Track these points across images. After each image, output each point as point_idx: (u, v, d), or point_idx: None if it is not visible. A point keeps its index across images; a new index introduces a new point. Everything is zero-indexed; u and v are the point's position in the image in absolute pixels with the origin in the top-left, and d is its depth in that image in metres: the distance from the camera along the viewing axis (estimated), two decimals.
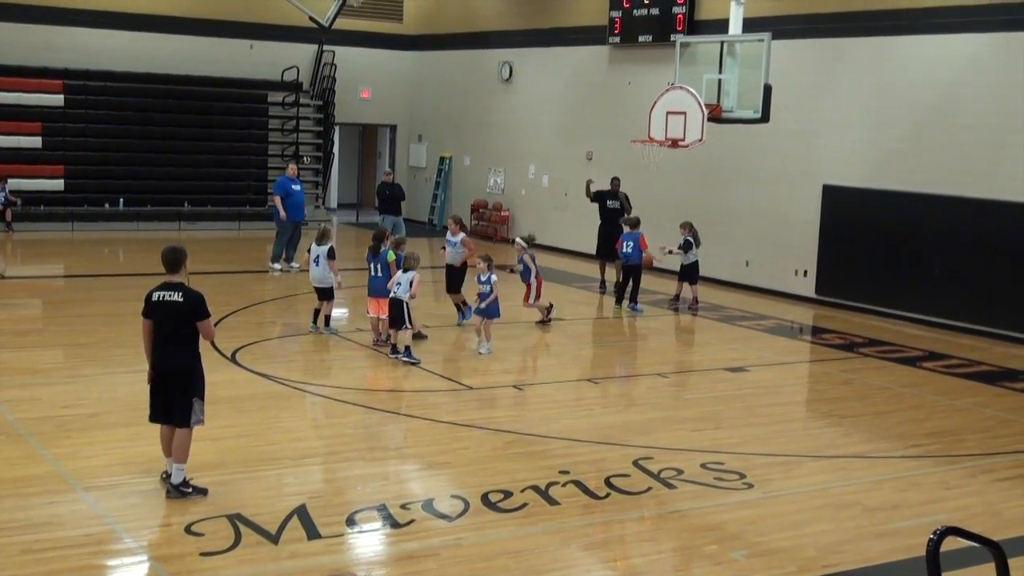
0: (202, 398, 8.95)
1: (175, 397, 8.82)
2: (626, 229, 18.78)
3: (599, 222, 20.62)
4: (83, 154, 26.74)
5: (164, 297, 8.81)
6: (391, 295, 14.11)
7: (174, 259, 8.96)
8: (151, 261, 20.81)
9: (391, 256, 14.70)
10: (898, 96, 18.49)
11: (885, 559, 8.24)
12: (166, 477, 8.90)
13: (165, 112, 27.60)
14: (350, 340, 15.22)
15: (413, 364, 13.79)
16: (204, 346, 13.86)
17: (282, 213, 20.93)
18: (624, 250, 18.56)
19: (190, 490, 8.77)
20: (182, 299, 8.78)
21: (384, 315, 14.56)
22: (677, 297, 19.11)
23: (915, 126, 18.24)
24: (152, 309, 8.84)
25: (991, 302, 17.21)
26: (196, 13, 28.14)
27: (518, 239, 17.58)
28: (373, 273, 14.76)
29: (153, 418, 9.00)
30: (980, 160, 17.34)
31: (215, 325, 15.28)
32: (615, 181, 20.76)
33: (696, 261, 18.95)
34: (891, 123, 18.63)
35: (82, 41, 27.08)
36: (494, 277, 15.01)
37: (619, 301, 18.90)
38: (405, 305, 13.91)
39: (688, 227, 18.94)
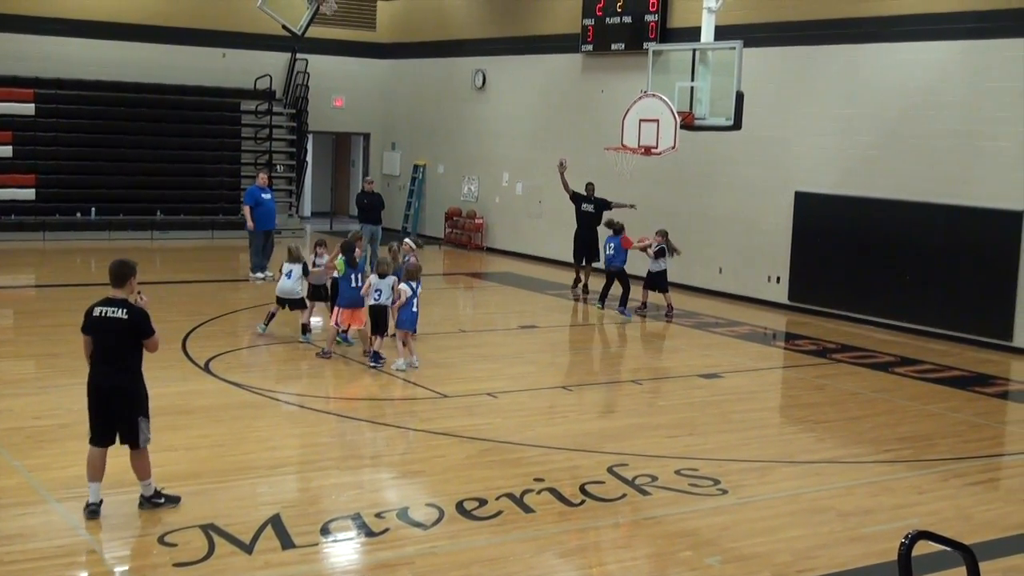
0: (147, 416, 8.63)
1: (119, 417, 8.50)
2: (609, 232, 18.88)
3: (575, 226, 20.88)
4: (54, 163, 26.57)
5: (107, 313, 8.44)
6: (373, 302, 14.09)
7: (122, 273, 8.58)
8: None
9: (340, 266, 14.51)
10: (868, 103, 18.61)
11: (858, 563, 8.28)
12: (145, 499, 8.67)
13: (137, 121, 27.47)
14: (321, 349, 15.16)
15: (376, 366, 13.90)
16: (178, 357, 14.08)
17: (249, 223, 20.85)
18: (607, 252, 18.73)
19: (163, 500, 8.68)
20: (126, 316, 8.42)
21: (357, 325, 14.56)
22: (644, 304, 19.16)
23: (885, 133, 18.37)
24: (93, 325, 8.48)
25: (962, 307, 17.33)
26: (168, 21, 28.01)
27: (407, 239, 16.78)
28: (353, 284, 14.50)
29: (95, 440, 8.54)
30: (950, 167, 17.47)
31: (187, 337, 15.45)
32: (590, 186, 20.97)
33: (664, 270, 18.93)
34: (862, 130, 18.75)
35: (53, 50, 26.89)
36: (392, 281, 14.25)
37: (601, 299, 19.02)
38: (388, 311, 13.94)
39: (663, 235, 18.98)
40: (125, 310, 8.46)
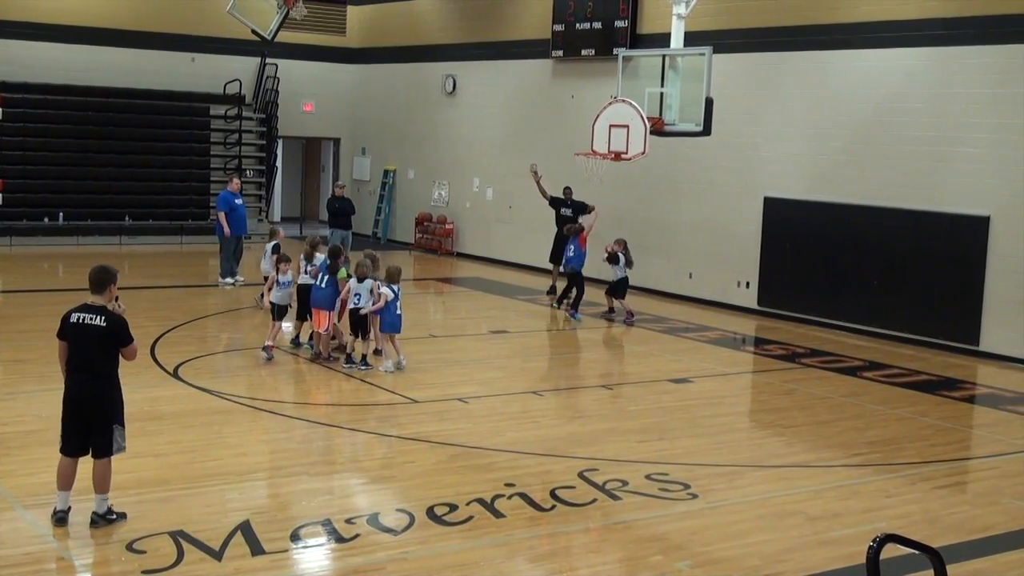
0: (122, 424, 8.54)
1: (94, 426, 8.39)
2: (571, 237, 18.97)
3: (555, 229, 21.09)
4: (21, 168, 26.37)
5: (84, 320, 8.32)
6: (353, 305, 14.06)
7: (102, 279, 8.45)
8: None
9: (343, 273, 14.47)
10: (837, 109, 18.73)
11: (827, 567, 8.31)
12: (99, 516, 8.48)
13: (105, 125, 27.30)
14: (295, 355, 15.13)
15: (364, 370, 13.92)
16: (147, 363, 13.99)
17: (226, 229, 20.74)
18: (567, 254, 18.81)
19: (114, 516, 8.50)
20: (105, 323, 8.30)
21: (323, 329, 14.53)
22: (611, 310, 19.19)
23: (854, 139, 18.49)
24: (69, 331, 8.36)
25: (929, 312, 17.46)
26: (137, 25, 27.85)
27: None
28: (319, 284, 14.49)
29: (67, 450, 8.41)
30: (917, 172, 17.61)
31: (156, 342, 15.36)
32: (567, 190, 21.07)
33: (625, 278, 18.87)
34: (830, 136, 18.87)
35: (20, 53, 26.69)
36: (371, 283, 14.09)
37: (559, 301, 19.10)
38: (367, 316, 13.97)
39: (622, 244, 18.93)
40: (103, 317, 8.36)
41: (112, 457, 8.49)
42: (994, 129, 16.68)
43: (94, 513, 8.48)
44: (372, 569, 7.91)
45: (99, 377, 8.39)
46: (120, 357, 8.52)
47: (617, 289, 18.86)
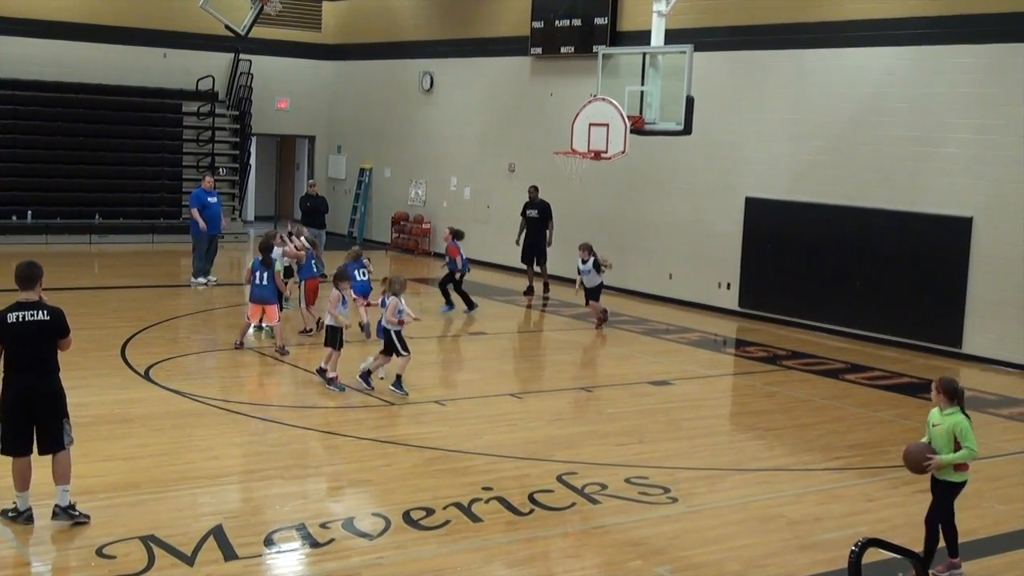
0: (68, 417, 8.52)
1: (45, 422, 8.33)
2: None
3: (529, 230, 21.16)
4: None
5: (25, 317, 8.21)
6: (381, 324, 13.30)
7: (32, 274, 8.41)
8: (60, 276, 20.27)
9: (279, 266, 15.03)
10: (817, 109, 18.68)
11: (808, 571, 8.25)
12: (59, 509, 8.43)
13: (75, 122, 27.01)
14: (268, 356, 14.97)
15: (403, 395, 12.98)
16: (117, 364, 13.81)
17: (201, 225, 20.53)
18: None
19: (78, 513, 8.42)
20: (48, 317, 8.29)
21: (269, 321, 14.91)
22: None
23: (835, 139, 18.44)
24: (10, 332, 8.22)
25: (912, 314, 17.40)
26: (107, 20, 27.56)
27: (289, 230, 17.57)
28: (258, 281, 14.85)
29: (19, 450, 8.31)
30: (899, 172, 17.56)
31: (127, 343, 15.15)
32: (533, 189, 20.99)
33: (600, 284, 18.17)
34: (811, 135, 18.81)
35: None
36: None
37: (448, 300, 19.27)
38: (393, 333, 13.03)
39: (587, 248, 18.07)
40: (45, 311, 8.33)
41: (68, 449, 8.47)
42: (977, 129, 16.64)
43: (57, 506, 8.40)
44: (347, 574, 7.82)
45: (49, 372, 8.37)
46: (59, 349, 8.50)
47: (591, 294, 18.39)
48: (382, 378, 13.51)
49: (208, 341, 16.30)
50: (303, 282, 16.55)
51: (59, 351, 8.48)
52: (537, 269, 21.18)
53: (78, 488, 8.99)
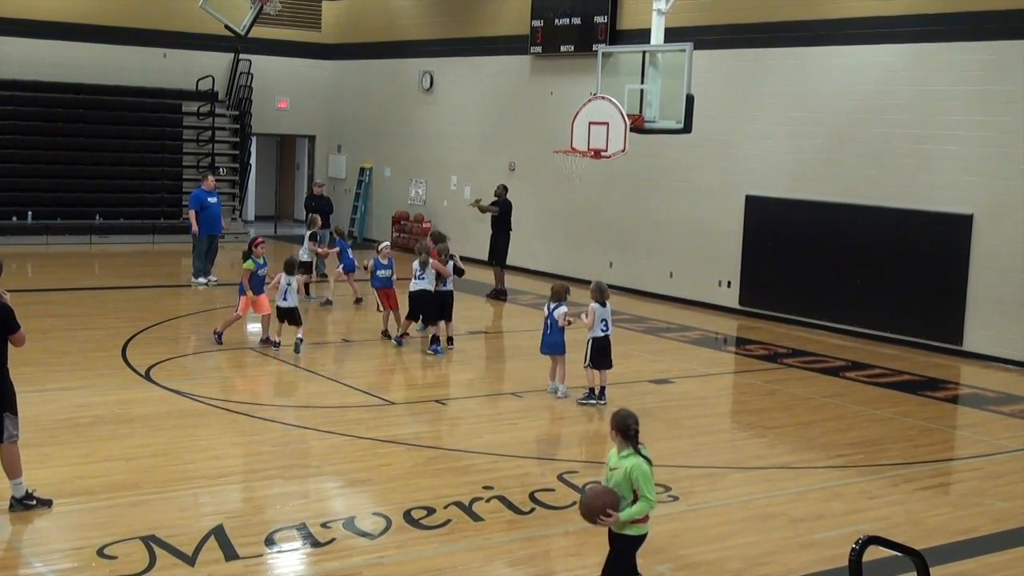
0: (14, 412, 8.54)
1: None
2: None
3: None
4: None
5: None
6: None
7: None
8: (60, 276, 20.31)
9: (250, 264, 15.27)
10: (818, 106, 18.66)
11: (809, 569, 8.25)
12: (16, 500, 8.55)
13: (75, 122, 26.97)
14: (268, 356, 14.96)
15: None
16: (118, 365, 13.80)
17: (194, 227, 20.55)
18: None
19: (34, 502, 8.51)
20: None
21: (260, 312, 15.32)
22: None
23: (835, 136, 18.42)
24: None
25: (912, 312, 17.39)
26: (107, 20, 27.53)
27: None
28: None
29: None
30: (900, 170, 17.55)
31: (127, 344, 15.16)
32: (501, 188, 20.91)
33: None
34: (812, 133, 18.79)
35: None
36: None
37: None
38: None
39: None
40: None
41: (13, 443, 8.50)
42: (977, 126, 16.63)
43: (12, 499, 8.50)
44: (348, 574, 7.81)
45: None
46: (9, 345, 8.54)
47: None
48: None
49: (209, 341, 16.29)
50: (376, 291, 16.51)
51: (13, 347, 8.53)
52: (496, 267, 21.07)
53: (79, 488, 9.03)
